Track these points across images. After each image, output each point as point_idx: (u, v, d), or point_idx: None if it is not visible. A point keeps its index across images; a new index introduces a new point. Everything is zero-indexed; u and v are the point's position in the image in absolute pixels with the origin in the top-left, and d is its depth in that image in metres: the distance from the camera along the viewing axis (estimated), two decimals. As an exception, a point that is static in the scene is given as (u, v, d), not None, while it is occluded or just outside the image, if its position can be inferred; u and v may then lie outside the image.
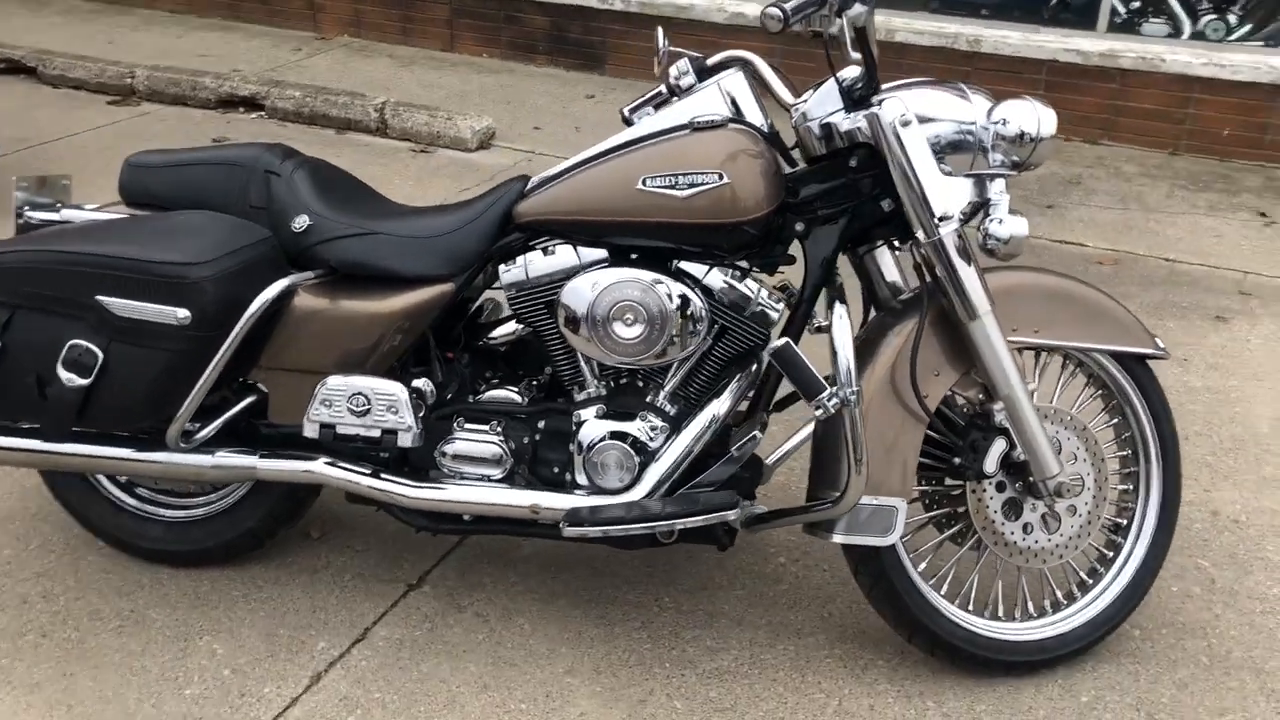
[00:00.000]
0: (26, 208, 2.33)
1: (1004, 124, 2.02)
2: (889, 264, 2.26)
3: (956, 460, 2.16)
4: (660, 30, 2.49)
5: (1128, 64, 5.35)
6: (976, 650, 2.21)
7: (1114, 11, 5.60)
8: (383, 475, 2.22)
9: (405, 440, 2.18)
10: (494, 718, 2.14)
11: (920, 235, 2.06)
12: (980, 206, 2.05)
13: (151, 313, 2.04)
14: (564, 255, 2.18)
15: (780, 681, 2.25)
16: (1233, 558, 2.62)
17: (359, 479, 2.21)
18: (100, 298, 2.05)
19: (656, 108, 2.46)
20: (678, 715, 2.16)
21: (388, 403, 2.17)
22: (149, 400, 2.11)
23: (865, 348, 2.15)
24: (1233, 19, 5.72)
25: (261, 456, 2.23)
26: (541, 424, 2.25)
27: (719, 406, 2.15)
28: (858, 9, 1.95)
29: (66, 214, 2.30)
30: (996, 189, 2.04)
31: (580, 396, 2.24)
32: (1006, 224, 2.01)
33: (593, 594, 2.47)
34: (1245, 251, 4.36)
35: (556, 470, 2.24)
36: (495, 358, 2.38)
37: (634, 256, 2.17)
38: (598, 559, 2.56)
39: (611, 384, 2.25)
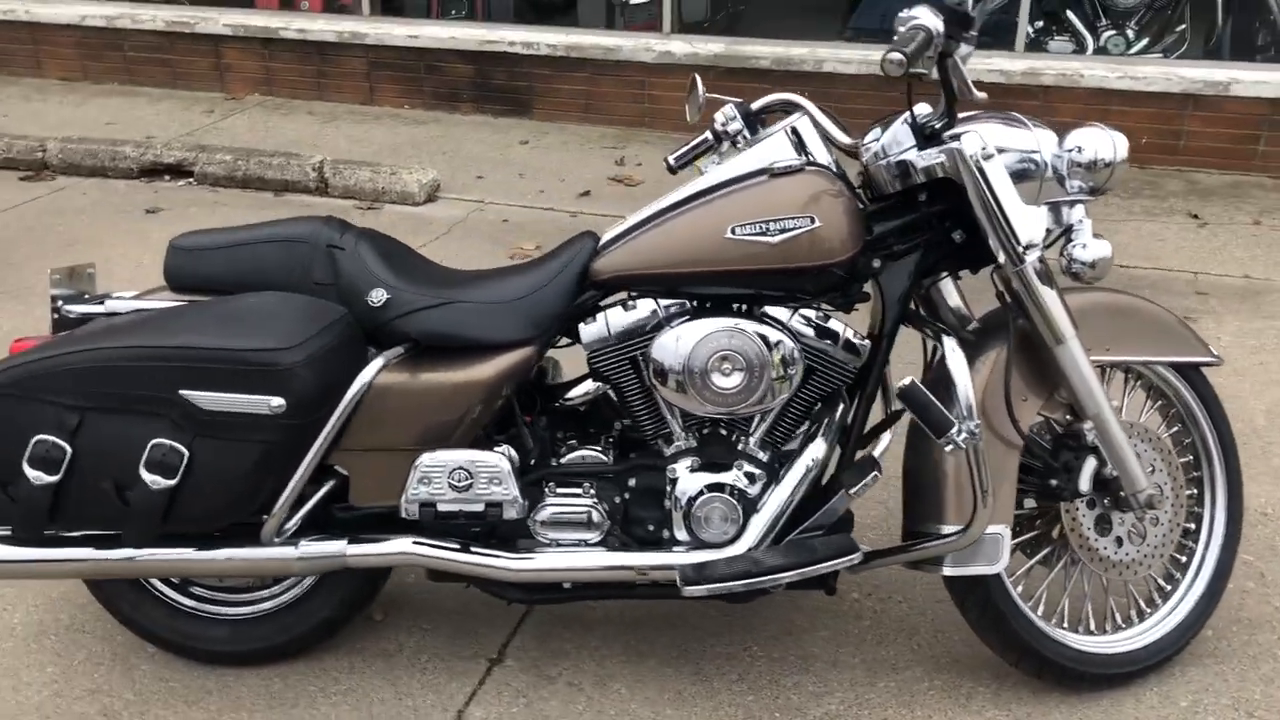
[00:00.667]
0: (62, 301, 2.19)
1: (1079, 151, 2.08)
2: (953, 294, 2.29)
3: (1052, 482, 2.20)
4: (697, 78, 2.49)
5: (1049, 80, 5.58)
6: (1080, 667, 2.25)
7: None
8: (474, 549, 2.15)
9: (510, 512, 2.11)
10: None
11: (1006, 264, 2.10)
12: (1063, 233, 2.10)
13: (242, 404, 1.93)
14: (645, 308, 2.16)
15: (885, 718, 2.24)
16: (1273, 549, 2.72)
17: (455, 556, 2.13)
18: (184, 392, 1.93)
19: (704, 155, 2.48)
20: (799, 765, 2.14)
21: (490, 474, 2.10)
22: (239, 496, 2.00)
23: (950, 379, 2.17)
24: (1130, 34, 6.03)
25: (349, 542, 2.13)
26: (632, 482, 2.21)
27: (816, 450, 2.15)
28: (965, 49, 1.98)
29: (111, 305, 2.17)
30: (1077, 215, 2.09)
31: (670, 450, 2.20)
32: (1091, 248, 2.06)
33: (679, 649, 2.42)
34: (1189, 253, 4.57)
35: (651, 528, 2.20)
36: (567, 418, 2.32)
37: (709, 305, 2.16)
38: (673, 612, 2.52)
39: (697, 435, 2.22)
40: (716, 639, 2.46)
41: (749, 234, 2.07)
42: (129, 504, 1.96)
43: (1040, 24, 6.04)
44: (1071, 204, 2.10)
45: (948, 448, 1.99)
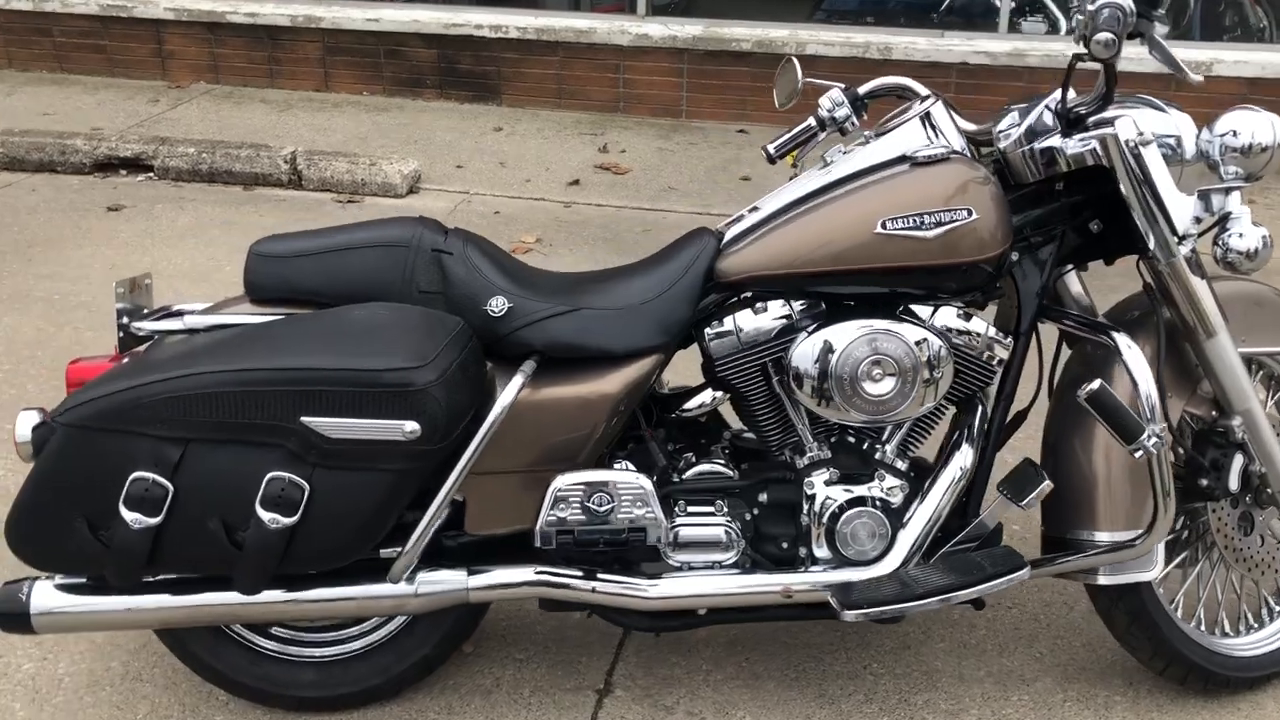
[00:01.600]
0: (126, 316, 1.96)
1: (1234, 135, 1.98)
2: (1078, 287, 2.19)
3: (1202, 481, 2.10)
4: (795, 61, 2.34)
5: (1034, 61, 5.54)
6: (1224, 671, 2.17)
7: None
8: (601, 576, 1.98)
9: (654, 536, 1.94)
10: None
11: (1158, 254, 1.99)
12: (1218, 221, 2.00)
13: (371, 430, 1.72)
14: (776, 311, 2.00)
15: (1025, 734, 2.14)
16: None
17: (586, 584, 1.96)
18: (306, 419, 1.71)
19: (806, 143, 2.34)
20: (951, 790, 2.02)
21: (633, 496, 1.92)
22: (364, 532, 1.79)
23: (1086, 374, 2.06)
24: (1102, 14, 6.03)
25: (470, 574, 1.94)
26: (763, 497, 2.06)
27: (964, 458, 2.02)
28: (1159, 29, 1.86)
29: (190, 320, 1.94)
30: (1234, 202, 1.99)
31: (802, 462, 2.05)
32: (1248, 237, 1.97)
33: (795, 670, 2.28)
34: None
35: (785, 545, 2.05)
36: (679, 430, 2.16)
37: (842, 306, 2.02)
38: (779, 631, 2.38)
39: (829, 445, 2.08)
40: (833, 657, 2.32)
41: (901, 228, 1.93)
42: (241, 545, 1.75)
43: (1012, 4, 6.02)
44: (1226, 191, 2.00)
45: (1137, 454, 1.87)
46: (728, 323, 2.01)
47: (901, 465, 2.06)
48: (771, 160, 2.33)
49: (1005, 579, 1.94)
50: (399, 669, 2.12)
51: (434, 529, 1.85)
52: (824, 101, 2.29)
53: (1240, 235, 1.97)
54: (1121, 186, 1.96)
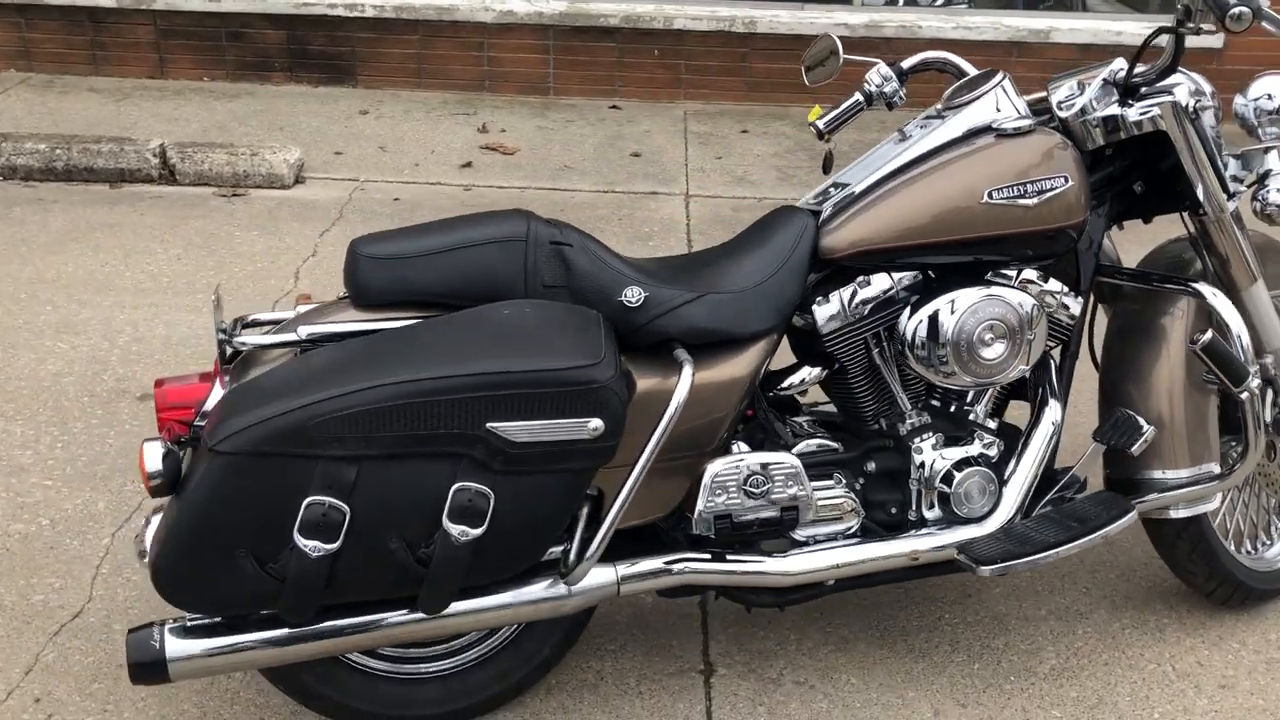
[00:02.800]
0: (222, 332, 1.81)
1: (1269, 99, 2.16)
2: (1109, 245, 2.35)
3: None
4: (835, 39, 2.39)
5: (890, 33, 5.79)
6: (1260, 586, 2.39)
7: (855, -18, 6.05)
8: (737, 558, 1.99)
9: (807, 512, 1.96)
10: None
11: (1208, 209, 2.16)
12: (1260, 178, 2.18)
13: (558, 430, 1.66)
14: (880, 284, 2.06)
15: (1106, 662, 2.29)
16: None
17: (729, 567, 1.96)
18: (492, 425, 1.63)
19: (854, 117, 2.39)
20: (1055, 724, 2.15)
21: (787, 475, 1.93)
22: (546, 536, 1.73)
23: (1152, 326, 2.22)
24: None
25: (618, 568, 1.90)
26: (870, 466, 2.11)
27: (1054, 412, 2.14)
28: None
29: (305, 330, 1.80)
30: (1274, 160, 2.18)
31: (904, 429, 2.12)
32: (1280, 188, 2.16)
33: (877, 630, 2.36)
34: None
35: (894, 510, 2.11)
36: (778, 408, 2.18)
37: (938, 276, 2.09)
38: (850, 595, 2.44)
39: (926, 411, 2.15)
40: (907, 614, 2.41)
41: (1006, 197, 2.01)
42: (427, 563, 1.65)
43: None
44: (1265, 150, 2.19)
45: (1244, 395, 2.04)
46: (834, 298, 2.04)
47: (992, 425, 2.16)
48: (821, 136, 2.37)
49: (1119, 523, 2.08)
50: (520, 674, 2.06)
51: (616, 525, 1.81)
52: (872, 77, 2.35)
53: (1277, 189, 2.16)
54: (1179, 148, 2.12)
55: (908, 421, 2.12)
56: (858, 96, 2.37)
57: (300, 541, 1.59)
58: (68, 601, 2.35)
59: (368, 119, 5.48)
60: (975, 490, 2.07)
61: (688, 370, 1.83)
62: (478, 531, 1.65)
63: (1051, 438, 2.12)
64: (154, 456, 1.64)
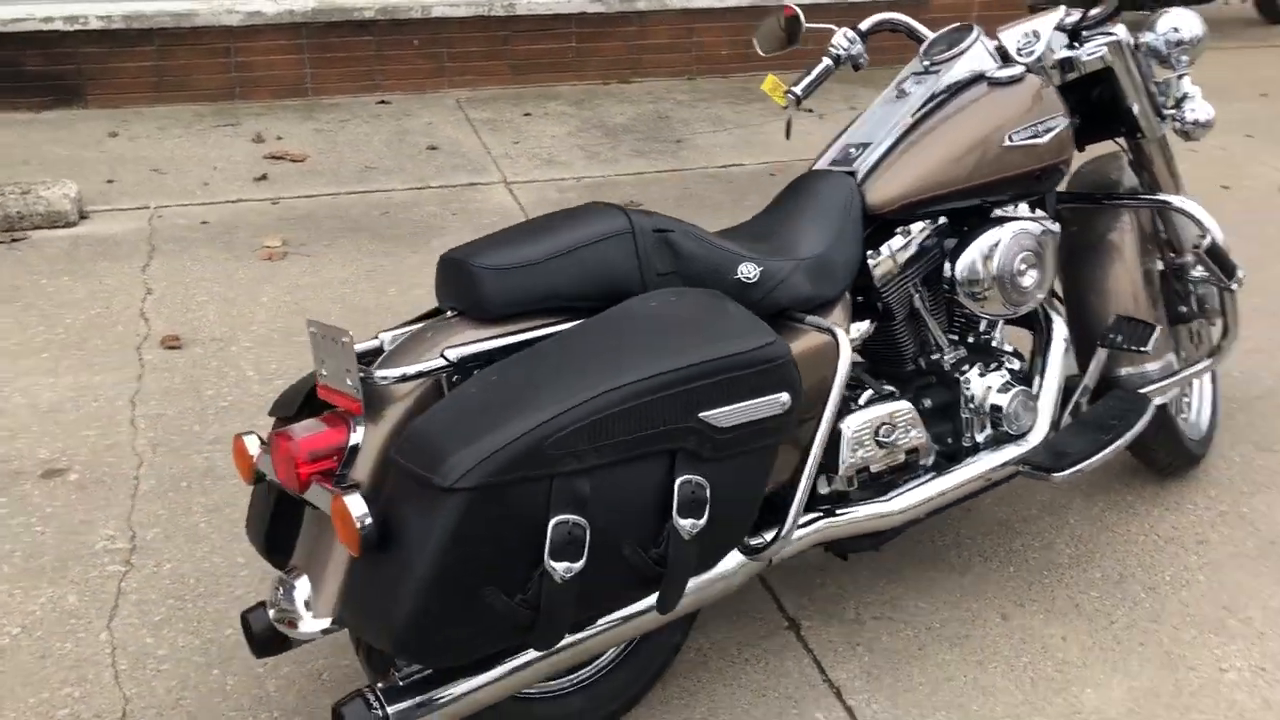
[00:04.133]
0: (363, 371, 1.67)
1: (1175, 31, 2.49)
2: None
3: (1182, 309, 2.64)
4: (798, 10, 2.50)
5: (643, 6, 5.96)
6: (1198, 450, 2.76)
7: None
8: (850, 509, 2.08)
9: (928, 455, 2.07)
10: (1019, 683, 2.19)
11: (1148, 132, 2.46)
12: (1179, 101, 2.51)
13: (756, 409, 1.66)
14: (919, 233, 2.21)
15: (1107, 542, 2.58)
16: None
17: (852, 516, 2.04)
18: (703, 414, 1.61)
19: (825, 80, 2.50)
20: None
21: (907, 421, 2.03)
22: (751, 516, 1.73)
23: (1107, 240, 2.51)
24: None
25: (767, 537, 1.94)
26: (926, 403, 2.26)
27: (1061, 329, 2.37)
28: None
29: (452, 354, 1.69)
30: (1188, 85, 2.52)
31: (948, 365, 2.28)
32: (1201, 110, 2.51)
33: (914, 556, 2.52)
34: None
35: (950, 440, 2.27)
36: None
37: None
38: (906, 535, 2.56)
39: (961, 345, 2.31)
40: (929, 537, 2.59)
41: (1025, 138, 2.20)
42: (663, 562, 1.62)
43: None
44: (1179, 77, 2.52)
45: (1235, 287, 2.34)
46: (884, 251, 2.17)
47: (1010, 348, 2.37)
48: (799, 102, 2.46)
49: (1145, 416, 2.34)
50: (658, 664, 2.05)
51: (806, 496, 1.84)
52: (839, 41, 2.47)
53: (1193, 110, 2.51)
54: (1124, 81, 2.40)
55: (948, 358, 2.29)
56: (827, 61, 2.49)
57: (551, 565, 1.52)
58: (101, 708, 2.07)
59: (120, 141, 4.99)
60: (1021, 409, 2.27)
61: (844, 338, 1.90)
62: (702, 522, 1.64)
63: (1066, 351, 2.36)
64: (359, 508, 1.51)
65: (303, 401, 1.79)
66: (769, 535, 1.89)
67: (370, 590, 1.53)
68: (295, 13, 5.44)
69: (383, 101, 5.62)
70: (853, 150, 2.26)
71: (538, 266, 1.78)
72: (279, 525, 1.84)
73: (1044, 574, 2.48)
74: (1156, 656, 2.25)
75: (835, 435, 2.01)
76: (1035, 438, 2.29)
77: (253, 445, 1.81)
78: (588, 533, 1.55)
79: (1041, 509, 2.70)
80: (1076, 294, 2.55)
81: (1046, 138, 2.23)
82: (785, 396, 1.71)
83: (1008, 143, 2.20)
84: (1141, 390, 2.45)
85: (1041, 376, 2.34)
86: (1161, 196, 2.45)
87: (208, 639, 2.23)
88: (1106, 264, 2.51)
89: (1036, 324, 2.40)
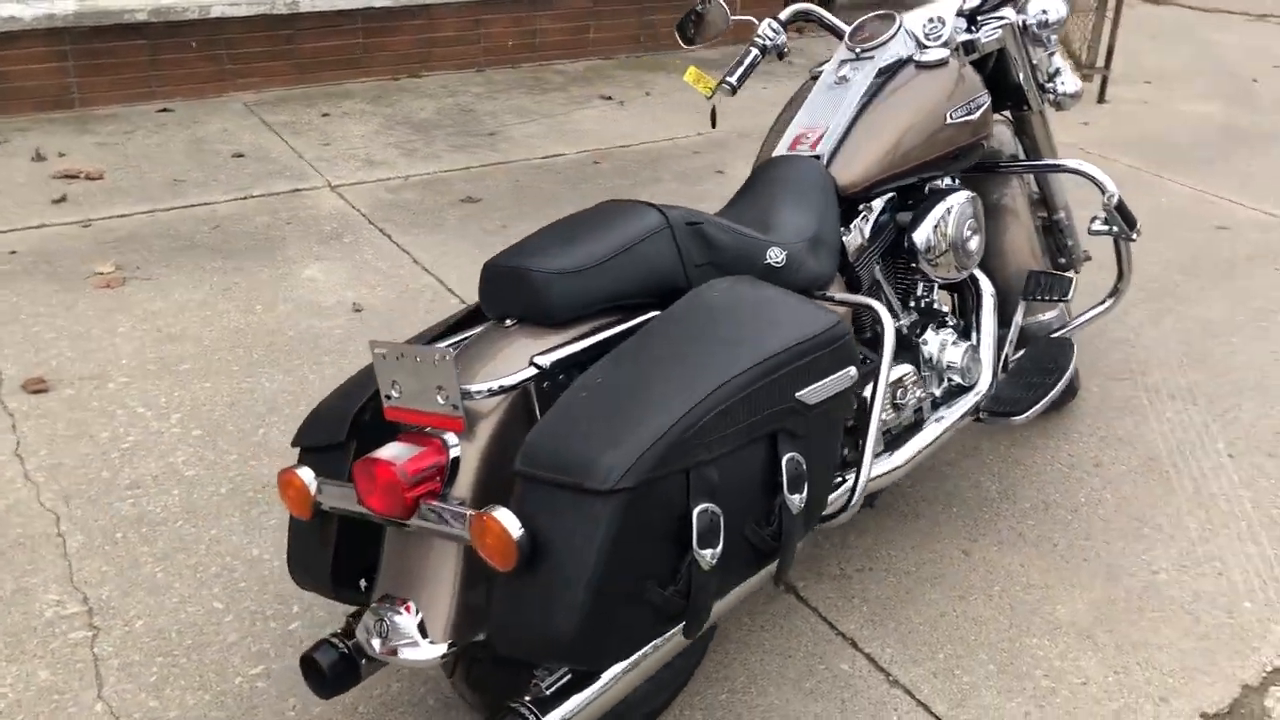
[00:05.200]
0: (464, 392, 1.63)
1: (1043, 13, 2.77)
2: None
3: (1061, 260, 2.95)
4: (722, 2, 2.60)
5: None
6: (1079, 383, 3.10)
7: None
8: (883, 462, 2.23)
9: (931, 412, 2.24)
10: (1000, 609, 2.41)
11: (1033, 103, 2.74)
12: (1052, 75, 2.80)
13: (835, 384, 1.76)
14: (878, 209, 2.37)
15: (1038, 474, 2.86)
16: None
17: (886, 468, 2.20)
18: (799, 394, 1.69)
19: (748, 69, 2.61)
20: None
21: (913, 382, 2.18)
22: (830, 486, 1.82)
23: (1003, 202, 2.78)
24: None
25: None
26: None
27: (988, 285, 2.60)
28: None
29: (545, 360, 1.69)
30: (1059, 61, 2.81)
31: (905, 328, 2.45)
32: (1070, 83, 2.81)
33: (894, 511, 2.71)
34: (656, 124, 5.43)
35: (921, 394, 2.47)
36: None
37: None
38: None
39: (913, 310, 2.50)
40: (899, 492, 2.79)
41: (961, 116, 2.40)
42: (778, 537, 1.69)
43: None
44: (1050, 54, 2.81)
45: (1136, 237, 2.63)
46: (854, 228, 2.32)
47: (945, 307, 2.59)
48: (733, 92, 2.56)
49: (1073, 356, 2.61)
50: (707, 639, 2.12)
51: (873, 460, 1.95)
52: (765, 30, 2.59)
53: (1064, 83, 2.81)
54: (1017, 60, 2.66)
55: (903, 322, 2.47)
56: (755, 51, 2.60)
57: (699, 553, 1.56)
58: (130, 782, 1.92)
59: (-127, 168, 4.42)
60: (971, 362, 2.49)
61: (885, 312, 2.02)
62: (804, 495, 1.73)
63: (995, 308, 2.60)
64: (516, 524, 1.49)
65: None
66: (838, 503, 2.00)
67: (527, 604, 1.51)
68: (55, 17, 4.98)
69: (165, 109, 5.26)
70: (809, 135, 2.39)
71: (597, 269, 1.80)
72: (341, 559, 1.78)
73: (982, 510, 2.73)
74: (1099, 569, 2.54)
75: (861, 403, 2.15)
76: (983, 387, 2.51)
77: (308, 477, 1.73)
78: (721, 518, 1.60)
79: (959, 453, 2.95)
80: (985, 255, 2.80)
81: (977, 114, 2.45)
82: (853, 370, 1.82)
83: (948, 120, 2.39)
84: (1056, 334, 2.74)
85: (978, 332, 2.56)
86: (1065, 161, 2.73)
87: (219, 691, 2.10)
88: (1007, 225, 2.78)
89: (964, 285, 2.63)
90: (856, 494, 1.99)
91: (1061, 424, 3.09)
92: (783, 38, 2.61)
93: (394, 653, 1.64)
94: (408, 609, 1.65)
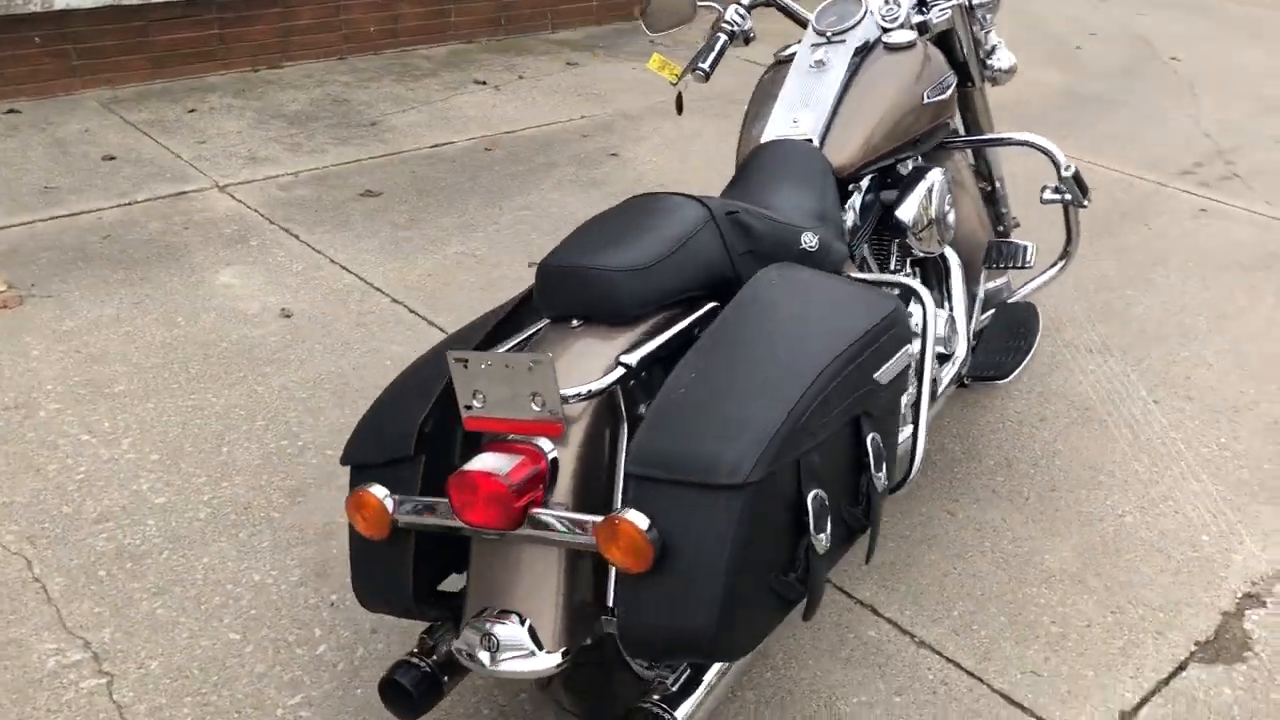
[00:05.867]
0: (564, 399, 1.61)
1: (980, -6, 2.90)
2: None
3: (1000, 228, 3.10)
4: (689, -12, 2.61)
5: (290, -15, 5.62)
6: None
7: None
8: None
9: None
10: (997, 564, 2.54)
11: (977, 79, 2.87)
12: (990, 51, 2.93)
13: (900, 363, 1.82)
14: (864, 188, 2.44)
15: (996, 433, 3.01)
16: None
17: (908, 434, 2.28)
18: (875, 375, 1.74)
19: (720, 53, 2.63)
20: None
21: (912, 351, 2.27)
22: (896, 459, 1.88)
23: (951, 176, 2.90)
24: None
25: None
26: None
27: (956, 259, 2.71)
28: None
29: (632, 359, 1.68)
30: (995, 37, 2.94)
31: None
32: (1004, 59, 2.95)
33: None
34: (536, 108, 5.37)
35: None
36: None
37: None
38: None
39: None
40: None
41: (935, 96, 2.49)
42: (868, 515, 1.74)
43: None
44: (986, 32, 2.93)
45: (1088, 204, 2.78)
46: (848, 207, 2.38)
47: (916, 282, 2.69)
48: (706, 78, 2.58)
49: (1040, 317, 2.75)
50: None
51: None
52: (733, 17, 2.62)
53: (1000, 59, 2.95)
54: (963, 39, 2.78)
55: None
56: (723, 37, 2.62)
57: (814, 538, 1.59)
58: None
59: None
60: (951, 331, 2.60)
61: (926, 292, 2.08)
62: (884, 474, 1.78)
63: (963, 278, 2.72)
64: (647, 524, 1.49)
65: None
66: (899, 476, 2.06)
67: (661, 603, 1.51)
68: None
69: (12, 110, 4.87)
70: (796, 120, 2.43)
71: (661, 265, 1.80)
72: (420, 576, 1.74)
73: (954, 471, 2.86)
74: (1073, 517, 2.70)
75: None
76: (961, 355, 2.63)
77: (383, 495, 1.69)
78: (827, 501, 1.64)
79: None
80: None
81: (947, 93, 2.55)
82: (912, 348, 1.89)
83: (925, 100, 2.48)
84: (1016, 299, 2.89)
85: (950, 301, 2.68)
86: (1020, 135, 2.87)
87: (263, 727, 2.01)
88: (959, 198, 2.90)
89: (932, 259, 2.73)
90: (916, 464, 2.07)
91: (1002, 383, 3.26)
92: (749, 23, 2.64)
93: (506, 666, 1.61)
94: (515, 620, 1.63)
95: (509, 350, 1.81)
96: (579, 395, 1.63)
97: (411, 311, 3.46)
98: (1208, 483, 2.84)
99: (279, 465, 2.70)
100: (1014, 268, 2.84)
